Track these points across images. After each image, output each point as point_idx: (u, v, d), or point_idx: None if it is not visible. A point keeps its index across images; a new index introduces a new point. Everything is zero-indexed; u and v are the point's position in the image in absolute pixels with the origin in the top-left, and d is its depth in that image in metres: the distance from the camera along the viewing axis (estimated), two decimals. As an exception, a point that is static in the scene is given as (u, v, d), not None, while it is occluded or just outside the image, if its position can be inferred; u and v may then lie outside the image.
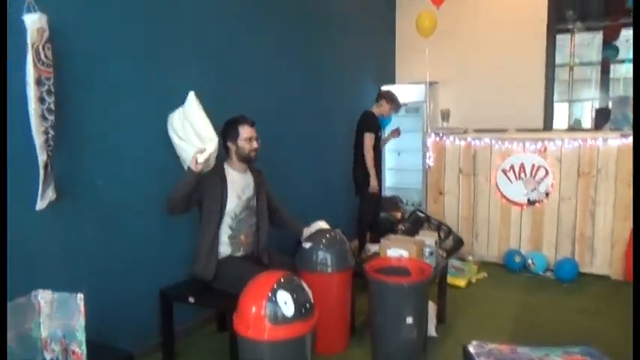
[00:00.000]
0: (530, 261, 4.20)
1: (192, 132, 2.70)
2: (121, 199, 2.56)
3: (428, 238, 3.09)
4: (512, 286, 3.99)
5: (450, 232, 4.26)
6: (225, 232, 2.72)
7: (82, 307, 1.69)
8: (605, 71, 6.85)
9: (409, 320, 2.51)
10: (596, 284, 3.96)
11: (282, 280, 1.98)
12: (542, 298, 3.72)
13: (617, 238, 3.99)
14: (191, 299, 2.58)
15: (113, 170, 2.51)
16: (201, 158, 2.54)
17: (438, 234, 3.93)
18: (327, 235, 2.85)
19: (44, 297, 1.77)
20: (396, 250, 2.92)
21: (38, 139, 2.06)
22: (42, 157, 2.08)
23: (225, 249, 2.73)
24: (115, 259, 2.54)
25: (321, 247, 2.76)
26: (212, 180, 2.70)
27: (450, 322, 3.25)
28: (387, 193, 5.86)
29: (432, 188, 4.79)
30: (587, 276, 4.10)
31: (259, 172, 2.94)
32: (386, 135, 4.79)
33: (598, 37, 6.95)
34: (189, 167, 2.60)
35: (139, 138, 2.65)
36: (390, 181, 5.99)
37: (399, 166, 5.96)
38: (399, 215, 5.49)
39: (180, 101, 2.78)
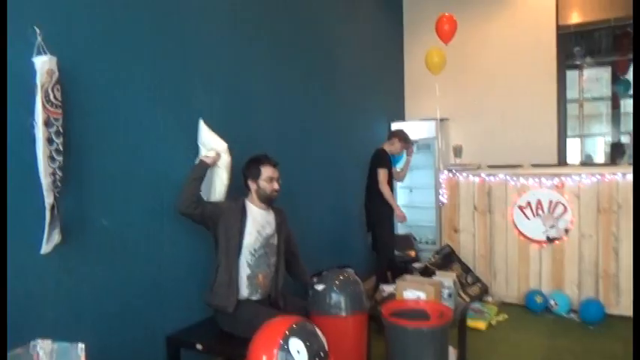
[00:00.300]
0: (552, 302, 4.01)
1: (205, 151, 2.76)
2: (129, 241, 2.49)
3: (446, 278, 2.96)
4: (534, 329, 3.80)
5: (478, 279, 4.17)
6: (243, 270, 2.62)
7: (82, 358, 1.59)
8: (615, 106, 6.79)
9: (429, 368, 2.36)
10: (624, 326, 3.75)
11: (294, 326, 1.86)
12: (567, 342, 3.52)
13: (643, 277, 3.81)
14: (199, 346, 2.46)
15: (121, 211, 2.45)
16: (212, 153, 2.66)
17: (465, 279, 3.86)
18: (341, 276, 2.74)
19: (43, 347, 1.68)
20: (412, 292, 2.80)
21: (45, 181, 2.01)
22: (49, 199, 2.03)
23: (242, 290, 2.62)
24: (122, 304, 2.44)
25: (335, 288, 2.64)
26: (232, 209, 2.65)
27: (472, 368, 3.08)
28: (399, 230, 5.75)
29: (447, 226, 4.68)
30: (614, 318, 3.89)
31: (281, 210, 2.87)
32: (400, 167, 4.75)
33: (608, 72, 6.94)
34: (200, 159, 2.63)
35: (149, 178, 2.61)
36: (403, 219, 5.87)
37: (412, 204, 5.85)
38: (412, 253, 5.36)
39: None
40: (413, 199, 5.89)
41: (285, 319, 1.96)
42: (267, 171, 2.71)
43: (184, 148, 2.78)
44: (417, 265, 4.87)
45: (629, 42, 5.94)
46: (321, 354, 1.86)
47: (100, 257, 2.34)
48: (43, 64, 1.99)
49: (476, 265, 4.44)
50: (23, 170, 1.98)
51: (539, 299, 4.08)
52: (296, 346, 1.78)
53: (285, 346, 1.78)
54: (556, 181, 4.11)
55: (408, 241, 5.47)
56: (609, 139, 6.62)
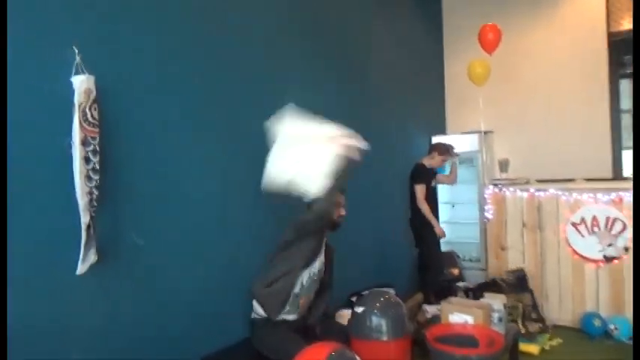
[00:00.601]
0: (612, 326, 3.71)
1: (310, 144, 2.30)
2: (164, 261, 2.45)
3: (495, 301, 2.77)
4: (593, 355, 3.51)
5: (542, 319, 3.89)
6: (296, 288, 2.57)
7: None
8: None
9: (480, 400, 2.18)
10: (695, 355, 3.41)
11: (333, 354, 1.75)
12: (631, 371, 3.22)
13: None
14: (235, 370, 2.38)
15: (156, 230, 2.42)
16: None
17: (530, 314, 3.63)
18: (382, 298, 2.61)
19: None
20: (459, 316, 2.63)
21: (82, 200, 2.00)
22: (85, 219, 2.01)
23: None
24: (156, 325, 2.40)
25: (375, 311, 2.51)
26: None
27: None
28: (441, 247, 5.53)
29: (493, 243, 4.44)
30: (683, 344, 3.55)
31: (332, 248, 2.83)
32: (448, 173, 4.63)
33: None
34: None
35: (184, 198, 2.57)
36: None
37: (454, 219, 5.64)
38: (456, 272, 5.13)
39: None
40: (455, 214, 5.68)
41: (323, 346, 1.85)
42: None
43: (219, 168, 2.74)
44: (461, 284, 4.65)
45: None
46: (362, 385, 1.73)
47: (134, 277, 2.31)
48: (81, 83, 1.99)
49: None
50: (59, 190, 1.98)
51: (597, 323, 3.77)
52: (335, 376, 1.67)
53: (324, 377, 1.67)
54: (613, 195, 3.83)
55: (451, 258, 5.25)
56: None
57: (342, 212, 2.68)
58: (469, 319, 2.58)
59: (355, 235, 4.03)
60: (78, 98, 1.99)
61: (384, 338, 2.46)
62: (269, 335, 2.45)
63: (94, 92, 2.03)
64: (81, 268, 2.02)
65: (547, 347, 3.60)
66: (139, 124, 2.36)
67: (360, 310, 2.53)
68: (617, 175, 4.85)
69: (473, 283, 4.67)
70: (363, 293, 2.84)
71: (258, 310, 2.56)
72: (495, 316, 2.68)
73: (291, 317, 2.58)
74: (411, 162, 4.41)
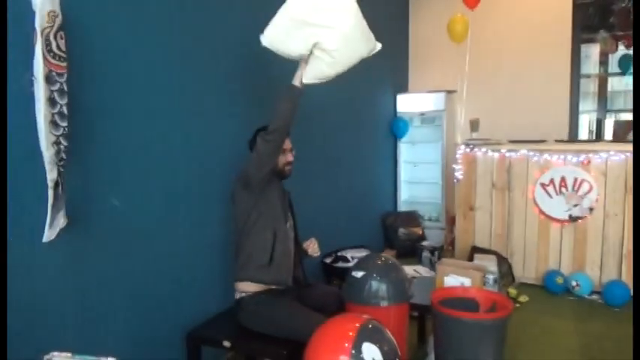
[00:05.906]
0: (574, 282, 3.85)
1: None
2: (142, 223, 2.12)
3: (490, 262, 2.71)
4: (560, 311, 3.62)
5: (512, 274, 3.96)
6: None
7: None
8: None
9: (488, 365, 2.10)
10: (649, 308, 3.62)
11: (365, 328, 1.56)
12: (595, 325, 3.36)
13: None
14: (226, 343, 2.14)
15: (135, 190, 2.07)
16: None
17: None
18: (379, 261, 2.46)
19: (61, 363, 1.29)
20: (455, 278, 2.54)
21: (48, 152, 1.62)
22: (51, 175, 1.64)
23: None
24: (135, 297, 2.09)
25: (375, 275, 2.35)
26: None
27: (511, 358, 2.86)
28: (402, 207, 5.51)
29: (461, 203, 4.43)
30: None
31: (288, 192, 2.51)
32: None
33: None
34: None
35: (169, 153, 2.23)
36: (406, 195, 5.63)
37: (415, 179, 5.60)
38: (419, 231, 5.14)
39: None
40: (416, 174, 5.62)
41: (350, 318, 1.65)
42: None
43: (213, 118, 2.41)
44: (425, 243, 4.63)
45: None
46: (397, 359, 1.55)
47: (110, 242, 1.97)
48: (44, 3, 1.57)
49: (491, 244, 4.23)
50: (19, 139, 1.59)
51: (559, 280, 3.91)
52: (371, 353, 1.48)
53: (359, 354, 1.47)
54: (582, 158, 3.90)
55: (413, 218, 5.24)
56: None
57: (290, 158, 2.38)
58: (466, 282, 2.51)
59: (325, 198, 3.86)
60: (40, 22, 1.57)
61: (385, 304, 2.31)
62: (270, 311, 2.18)
63: (60, 16, 1.62)
64: (48, 234, 1.66)
65: (517, 305, 3.67)
66: (118, 59, 1.97)
67: (358, 275, 2.36)
68: (573, 138, 4.99)
69: (436, 242, 4.70)
70: (351, 256, 2.67)
71: (245, 287, 2.29)
72: (490, 278, 2.62)
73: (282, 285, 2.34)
74: (378, 120, 4.24)
